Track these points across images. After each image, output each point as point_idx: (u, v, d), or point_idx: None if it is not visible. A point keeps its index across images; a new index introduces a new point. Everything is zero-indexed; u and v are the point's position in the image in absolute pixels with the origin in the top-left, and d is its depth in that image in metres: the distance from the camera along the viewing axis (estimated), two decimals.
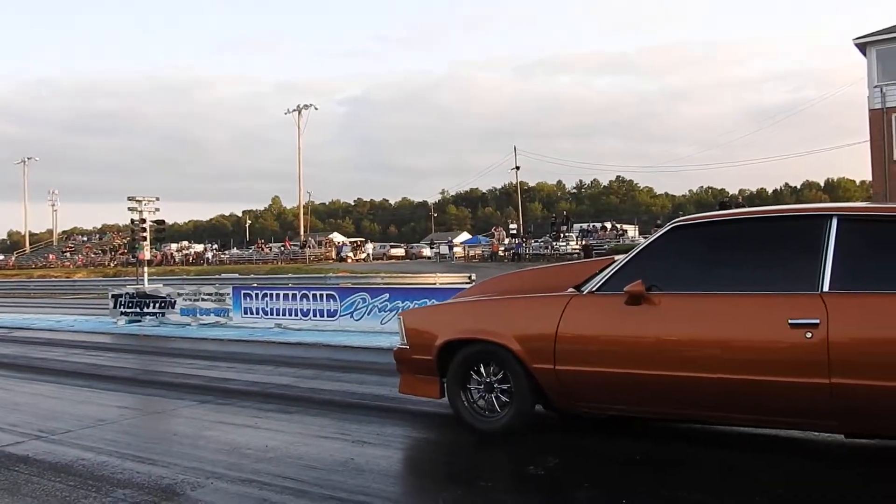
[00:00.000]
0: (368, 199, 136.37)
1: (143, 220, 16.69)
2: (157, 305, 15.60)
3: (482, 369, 5.06)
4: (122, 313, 16.02)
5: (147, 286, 16.68)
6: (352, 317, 12.73)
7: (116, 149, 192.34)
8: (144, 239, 16.78)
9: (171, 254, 61.74)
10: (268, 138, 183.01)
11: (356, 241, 63.25)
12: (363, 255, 55.77)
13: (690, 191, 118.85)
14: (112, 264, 59.78)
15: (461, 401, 5.12)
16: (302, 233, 67.33)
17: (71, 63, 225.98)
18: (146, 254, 17.23)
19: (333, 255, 55.44)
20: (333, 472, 4.38)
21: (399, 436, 5.41)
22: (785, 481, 3.92)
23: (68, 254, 74.53)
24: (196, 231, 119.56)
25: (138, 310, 15.83)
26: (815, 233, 4.10)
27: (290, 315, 13.58)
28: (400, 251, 60.56)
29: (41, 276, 52.37)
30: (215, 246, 68.23)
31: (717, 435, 4.92)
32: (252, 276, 31.37)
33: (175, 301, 15.36)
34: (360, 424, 5.62)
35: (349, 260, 52.72)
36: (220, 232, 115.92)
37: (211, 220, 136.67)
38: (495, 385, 5.00)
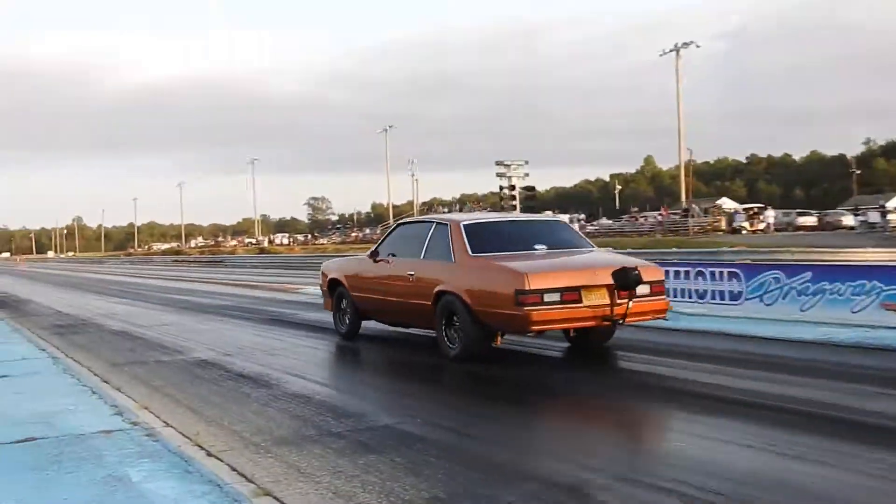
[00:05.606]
0: (765, 156, 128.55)
1: (513, 187, 17.74)
2: None
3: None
4: None
5: None
6: (761, 300, 12.08)
7: (457, 111, 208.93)
8: (514, 207, 17.81)
9: None
10: (627, 87, 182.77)
11: (752, 208, 60.57)
12: (762, 226, 53.46)
13: None
14: None
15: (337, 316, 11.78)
16: (683, 199, 66.07)
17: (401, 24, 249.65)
18: None
19: (723, 224, 53.86)
20: None
21: None
22: None
23: None
24: (559, 199, 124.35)
25: None
26: (426, 230, 10.02)
27: (680, 296, 13.31)
28: (811, 219, 57.60)
29: None
30: (581, 216, 70.34)
31: None
32: (628, 250, 31.59)
33: None
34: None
35: (744, 231, 50.75)
36: (585, 199, 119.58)
37: (575, 185, 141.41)
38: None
